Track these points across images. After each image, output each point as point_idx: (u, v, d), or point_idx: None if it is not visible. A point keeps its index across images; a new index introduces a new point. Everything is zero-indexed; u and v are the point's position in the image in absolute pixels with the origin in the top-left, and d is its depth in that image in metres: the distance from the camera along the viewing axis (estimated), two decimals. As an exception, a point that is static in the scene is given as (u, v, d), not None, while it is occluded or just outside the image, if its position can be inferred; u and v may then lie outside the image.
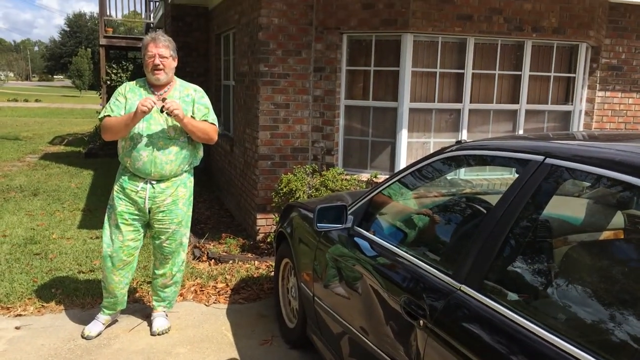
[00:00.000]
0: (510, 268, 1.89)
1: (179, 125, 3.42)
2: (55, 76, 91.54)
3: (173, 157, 3.45)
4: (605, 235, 2.23)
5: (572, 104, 5.84)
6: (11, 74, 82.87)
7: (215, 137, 3.59)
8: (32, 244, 5.44)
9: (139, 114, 3.28)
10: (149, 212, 3.53)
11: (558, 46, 5.64)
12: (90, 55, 53.09)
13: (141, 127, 3.40)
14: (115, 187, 3.55)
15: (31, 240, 5.57)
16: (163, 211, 3.53)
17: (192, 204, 3.72)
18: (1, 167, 10.11)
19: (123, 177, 3.53)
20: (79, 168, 10.13)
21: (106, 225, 3.57)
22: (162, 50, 3.41)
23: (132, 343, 3.58)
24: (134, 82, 3.58)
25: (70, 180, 8.94)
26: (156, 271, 3.75)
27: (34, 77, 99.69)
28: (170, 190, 3.52)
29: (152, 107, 3.28)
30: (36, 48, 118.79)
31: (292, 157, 5.48)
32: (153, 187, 3.48)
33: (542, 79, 5.68)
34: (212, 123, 3.56)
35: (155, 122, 3.41)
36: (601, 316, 1.57)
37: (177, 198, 3.55)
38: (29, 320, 3.83)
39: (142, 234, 3.63)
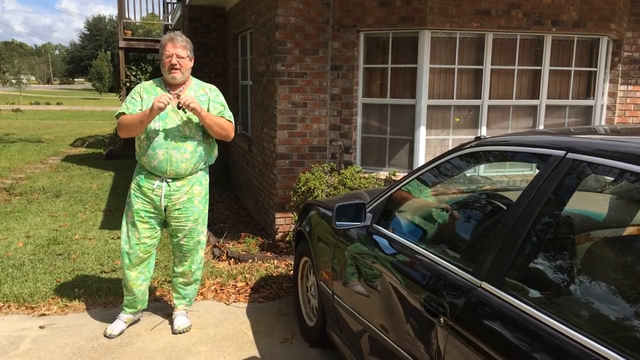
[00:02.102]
0: (532, 265, 1.87)
1: (194, 123, 3.47)
2: (75, 79, 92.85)
3: (188, 156, 3.49)
4: (629, 230, 2.19)
5: (593, 99, 5.75)
6: (33, 78, 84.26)
7: (232, 134, 3.63)
8: (55, 245, 5.52)
9: (154, 111, 3.32)
10: (165, 210, 3.57)
11: (578, 40, 5.56)
12: (110, 58, 53.78)
13: (157, 126, 3.44)
14: (132, 186, 3.61)
15: (54, 240, 5.65)
16: (179, 209, 3.57)
17: (208, 202, 3.75)
18: (24, 169, 10.28)
19: (139, 175, 3.58)
20: (100, 169, 10.26)
21: (124, 222, 3.64)
22: (179, 51, 3.44)
23: (154, 342, 3.62)
24: (150, 81, 3.64)
25: (92, 182, 9.05)
26: (176, 269, 3.80)
27: (55, 80, 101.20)
28: (185, 188, 3.56)
29: (168, 103, 3.32)
30: (57, 52, 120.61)
31: (310, 156, 5.48)
32: (169, 185, 3.52)
33: (563, 74, 5.60)
34: (228, 120, 3.61)
35: (171, 121, 3.45)
36: (625, 313, 1.55)
37: (192, 196, 3.59)
38: (52, 319, 3.89)
39: (159, 232, 3.68)
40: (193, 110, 3.35)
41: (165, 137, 3.44)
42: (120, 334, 3.68)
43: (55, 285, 4.43)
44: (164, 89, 3.55)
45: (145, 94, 3.54)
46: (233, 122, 3.64)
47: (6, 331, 3.70)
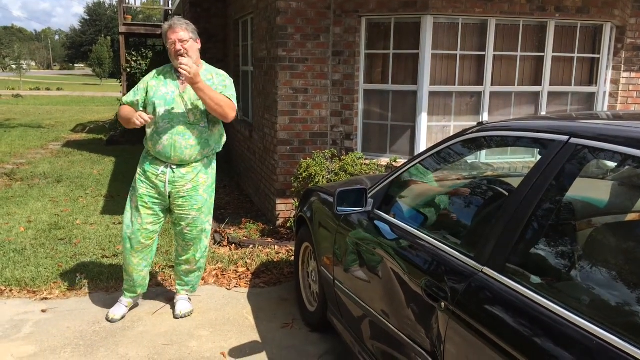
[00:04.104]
0: (534, 250, 1.87)
1: (199, 110, 3.44)
2: (76, 65, 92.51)
3: (193, 142, 3.46)
4: (631, 217, 2.19)
5: (596, 86, 5.73)
6: (33, 63, 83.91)
7: (231, 114, 3.45)
8: (56, 230, 5.54)
9: (132, 123, 3.39)
10: (169, 197, 3.56)
11: (582, 26, 5.52)
12: (110, 44, 53.51)
13: (163, 111, 3.43)
14: (138, 170, 3.60)
15: (55, 225, 5.67)
16: (183, 197, 3.55)
17: (214, 192, 3.72)
18: (25, 155, 10.28)
19: (145, 160, 3.58)
20: (101, 155, 10.26)
21: (127, 207, 3.63)
22: (181, 35, 3.41)
23: (156, 326, 3.64)
24: (162, 67, 3.62)
25: (93, 167, 9.05)
26: (179, 257, 3.79)
27: (55, 65, 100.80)
28: (190, 176, 3.54)
29: (143, 124, 3.37)
30: (57, 37, 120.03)
31: (311, 142, 5.47)
32: (173, 172, 3.51)
33: (565, 60, 5.57)
34: (228, 98, 3.47)
35: (178, 107, 3.43)
36: (626, 298, 1.55)
37: (197, 184, 3.56)
38: (54, 303, 3.91)
39: (162, 219, 3.66)
40: (186, 78, 3.24)
41: (170, 122, 3.43)
42: (122, 318, 3.70)
43: (57, 270, 4.44)
44: (174, 75, 3.52)
45: (153, 81, 3.52)
46: (234, 102, 3.50)
47: (8, 315, 3.72)
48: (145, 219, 3.57)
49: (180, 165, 3.51)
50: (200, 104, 3.43)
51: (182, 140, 3.44)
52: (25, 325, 3.59)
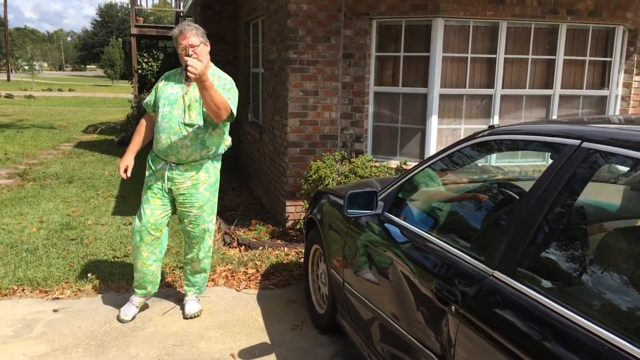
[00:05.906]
0: (544, 254, 1.87)
1: (196, 111, 3.47)
2: (87, 66, 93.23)
3: (188, 143, 3.50)
4: (643, 221, 2.18)
5: (608, 89, 5.69)
6: (45, 64, 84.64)
7: (223, 116, 3.38)
8: (68, 230, 5.58)
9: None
10: (170, 191, 3.63)
11: (594, 29, 5.49)
12: (122, 45, 53.86)
13: (165, 110, 3.50)
14: (147, 165, 3.71)
15: (67, 226, 5.71)
16: (183, 194, 3.60)
17: (217, 191, 3.75)
18: (37, 155, 10.37)
19: (150, 156, 3.70)
20: (112, 156, 10.32)
21: (141, 201, 3.71)
22: (191, 40, 3.45)
23: (166, 326, 3.66)
24: (174, 70, 3.71)
25: (104, 168, 9.11)
26: (186, 256, 3.84)
27: (67, 67, 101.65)
28: (189, 174, 3.58)
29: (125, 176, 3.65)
30: (69, 38, 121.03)
31: (321, 144, 5.48)
32: (172, 169, 3.57)
33: (577, 64, 5.54)
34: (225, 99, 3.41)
35: (178, 107, 3.49)
36: (637, 303, 1.54)
37: (197, 182, 3.60)
38: (66, 303, 3.94)
39: (169, 211, 3.70)
40: (192, 76, 3.12)
41: (168, 122, 3.49)
42: (133, 318, 3.72)
43: (69, 270, 4.48)
44: (182, 77, 3.55)
45: (163, 82, 3.64)
46: (231, 105, 3.44)
47: (20, 314, 3.75)
48: (154, 210, 3.62)
49: (179, 163, 3.57)
50: (197, 105, 3.48)
51: (178, 140, 3.49)
52: (37, 324, 3.62)
